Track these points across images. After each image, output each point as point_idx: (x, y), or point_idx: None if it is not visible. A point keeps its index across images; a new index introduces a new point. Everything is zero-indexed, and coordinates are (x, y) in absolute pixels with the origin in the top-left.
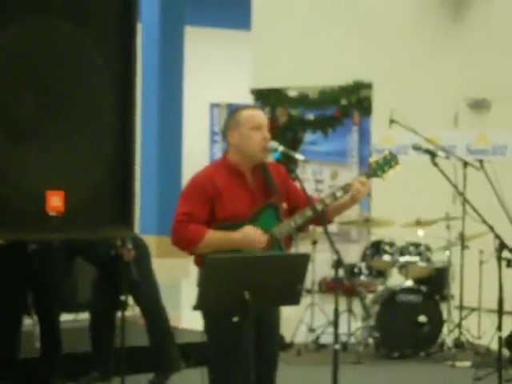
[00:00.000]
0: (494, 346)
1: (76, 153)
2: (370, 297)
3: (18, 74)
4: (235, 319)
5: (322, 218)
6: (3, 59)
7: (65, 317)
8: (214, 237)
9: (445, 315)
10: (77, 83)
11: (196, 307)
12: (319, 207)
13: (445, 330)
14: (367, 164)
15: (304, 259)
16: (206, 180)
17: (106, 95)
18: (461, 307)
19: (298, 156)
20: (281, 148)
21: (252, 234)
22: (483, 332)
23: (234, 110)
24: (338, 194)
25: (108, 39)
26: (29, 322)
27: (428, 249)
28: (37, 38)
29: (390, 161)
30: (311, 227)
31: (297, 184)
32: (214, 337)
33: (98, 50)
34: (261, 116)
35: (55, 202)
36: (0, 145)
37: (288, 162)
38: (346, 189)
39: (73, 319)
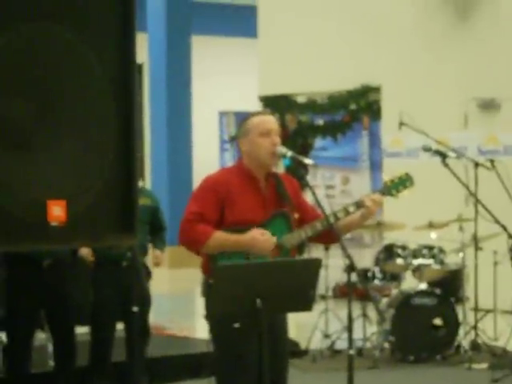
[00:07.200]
0: (511, 347)
1: (77, 161)
2: (384, 301)
3: (14, 82)
4: (236, 325)
5: (332, 232)
6: None
7: (78, 330)
8: (221, 237)
9: (460, 317)
10: (75, 90)
11: (207, 316)
12: (330, 222)
13: (461, 332)
14: (381, 181)
15: (316, 264)
16: (219, 181)
17: (106, 102)
18: (476, 309)
19: (307, 160)
20: (289, 153)
21: (260, 236)
22: (499, 333)
23: (245, 117)
24: (351, 209)
25: (105, 44)
26: (42, 337)
27: (441, 251)
28: (31, 46)
29: (405, 181)
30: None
31: (308, 193)
32: (222, 344)
33: (94, 54)
34: (269, 121)
35: (57, 211)
36: None
37: (298, 168)
38: (358, 204)
39: (86, 332)
